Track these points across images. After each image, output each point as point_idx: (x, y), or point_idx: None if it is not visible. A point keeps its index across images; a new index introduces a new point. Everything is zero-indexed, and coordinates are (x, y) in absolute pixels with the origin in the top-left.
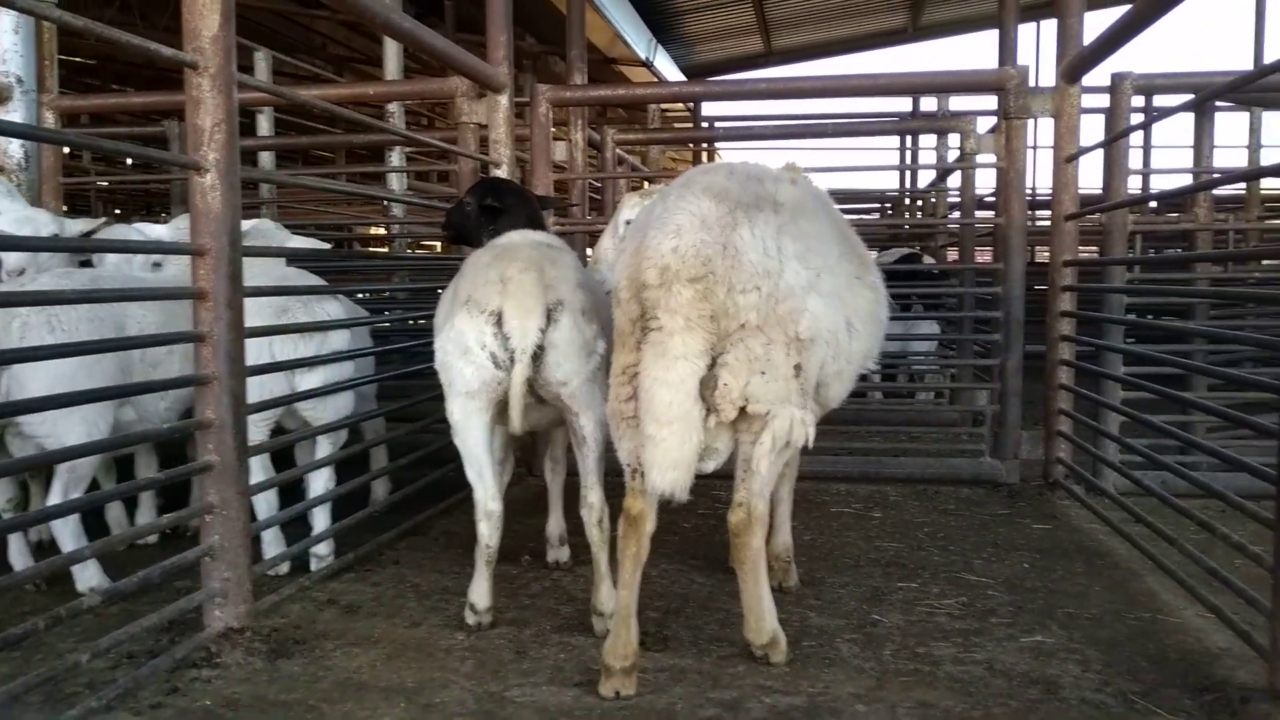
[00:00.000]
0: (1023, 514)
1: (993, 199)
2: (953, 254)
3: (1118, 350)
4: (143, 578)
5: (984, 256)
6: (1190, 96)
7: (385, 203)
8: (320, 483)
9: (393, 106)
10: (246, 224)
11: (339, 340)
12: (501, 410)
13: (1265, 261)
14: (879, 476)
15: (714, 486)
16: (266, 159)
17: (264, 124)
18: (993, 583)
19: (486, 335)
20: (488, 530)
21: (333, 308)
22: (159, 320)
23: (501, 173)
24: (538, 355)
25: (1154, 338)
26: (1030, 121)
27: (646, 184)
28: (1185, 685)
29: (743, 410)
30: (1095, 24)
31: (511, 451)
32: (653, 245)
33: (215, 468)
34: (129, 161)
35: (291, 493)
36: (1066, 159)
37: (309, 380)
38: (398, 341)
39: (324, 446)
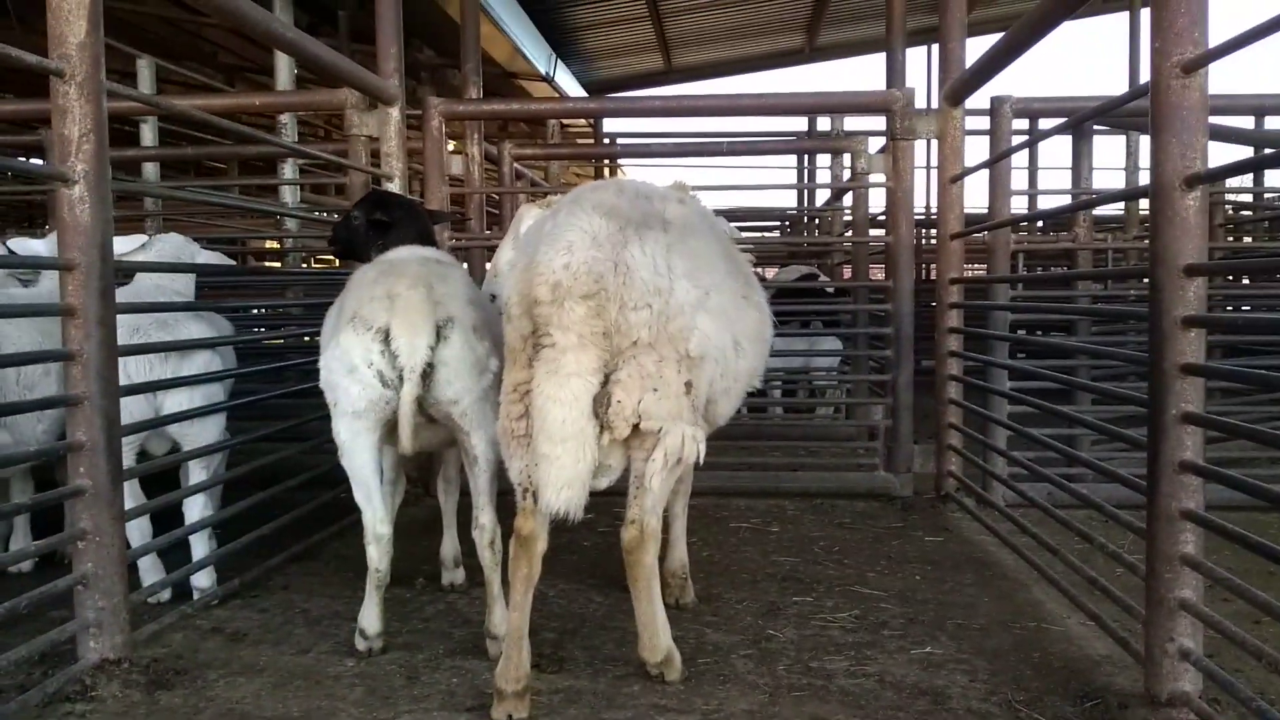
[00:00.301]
0: (915, 527)
1: (885, 218)
2: (849, 271)
3: (1003, 366)
4: (9, 608)
5: (880, 274)
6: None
7: (278, 216)
8: (195, 510)
9: (285, 118)
10: (127, 240)
11: (202, 361)
12: (390, 430)
13: (1146, 279)
14: (777, 491)
15: (615, 504)
16: (151, 170)
17: (147, 134)
18: (885, 595)
19: (373, 353)
20: (377, 554)
21: (195, 327)
22: (34, 340)
23: (394, 186)
24: (427, 373)
25: (1041, 353)
26: (919, 142)
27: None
28: (1067, 693)
29: (635, 427)
30: (979, 48)
31: (403, 472)
32: (544, 262)
33: (87, 492)
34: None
35: (176, 520)
36: (951, 179)
37: (172, 402)
38: (294, 358)
39: (196, 472)
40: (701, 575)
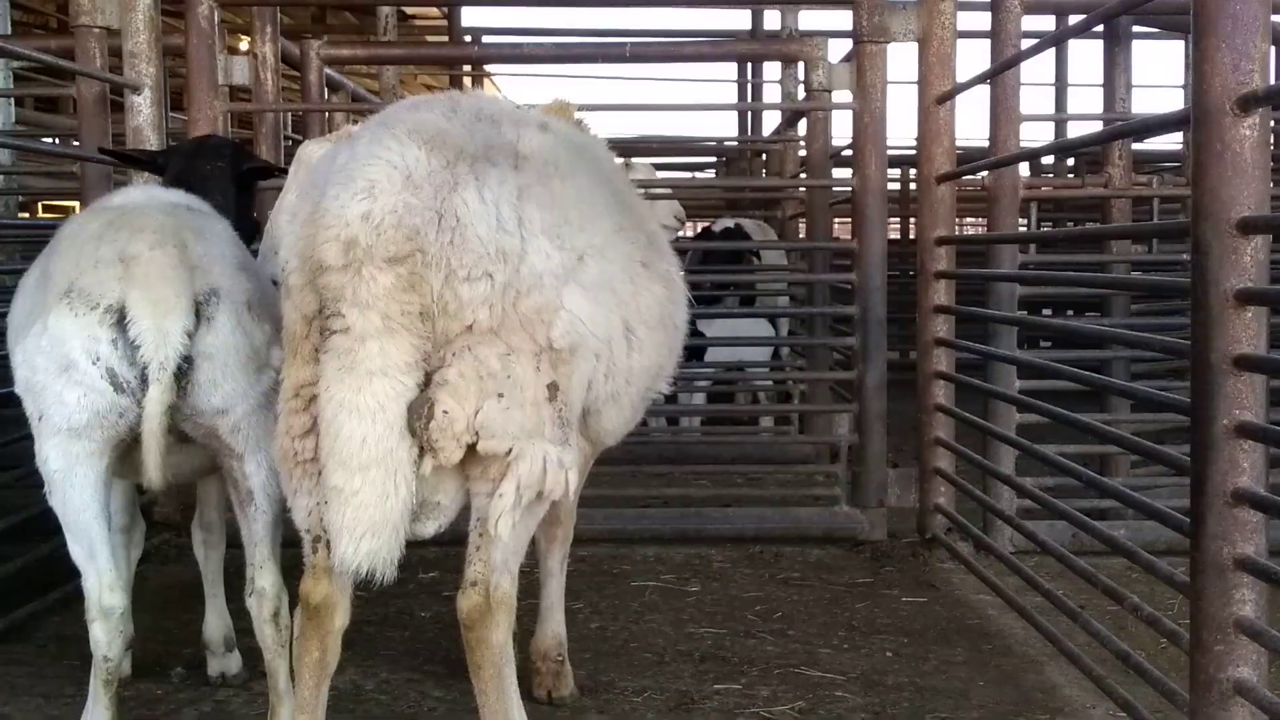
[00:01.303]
0: (889, 583)
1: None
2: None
3: (1010, 360)
4: None
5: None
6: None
7: None
8: None
9: None
10: None
11: None
12: (125, 455)
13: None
14: (700, 535)
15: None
16: None
17: None
18: (844, 679)
19: (101, 343)
20: (106, 636)
21: None
22: None
23: (142, 99)
24: (183, 371)
25: (1063, 342)
26: (896, 47)
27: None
28: None
29: (473, 448)
30: None
31: (139, 515)
32: (334, 210)
33: None
34: None
35: None
36: (938, 99)
37: None
38: None
39: None
40: (587, 656)
